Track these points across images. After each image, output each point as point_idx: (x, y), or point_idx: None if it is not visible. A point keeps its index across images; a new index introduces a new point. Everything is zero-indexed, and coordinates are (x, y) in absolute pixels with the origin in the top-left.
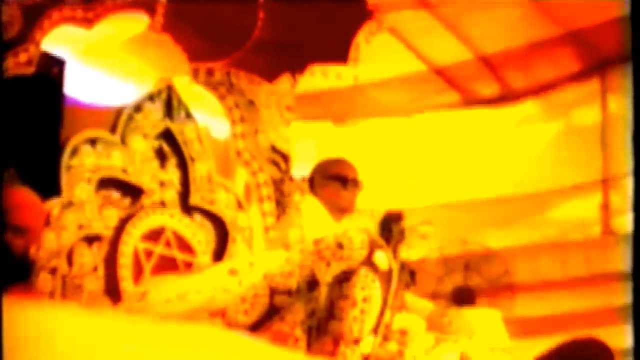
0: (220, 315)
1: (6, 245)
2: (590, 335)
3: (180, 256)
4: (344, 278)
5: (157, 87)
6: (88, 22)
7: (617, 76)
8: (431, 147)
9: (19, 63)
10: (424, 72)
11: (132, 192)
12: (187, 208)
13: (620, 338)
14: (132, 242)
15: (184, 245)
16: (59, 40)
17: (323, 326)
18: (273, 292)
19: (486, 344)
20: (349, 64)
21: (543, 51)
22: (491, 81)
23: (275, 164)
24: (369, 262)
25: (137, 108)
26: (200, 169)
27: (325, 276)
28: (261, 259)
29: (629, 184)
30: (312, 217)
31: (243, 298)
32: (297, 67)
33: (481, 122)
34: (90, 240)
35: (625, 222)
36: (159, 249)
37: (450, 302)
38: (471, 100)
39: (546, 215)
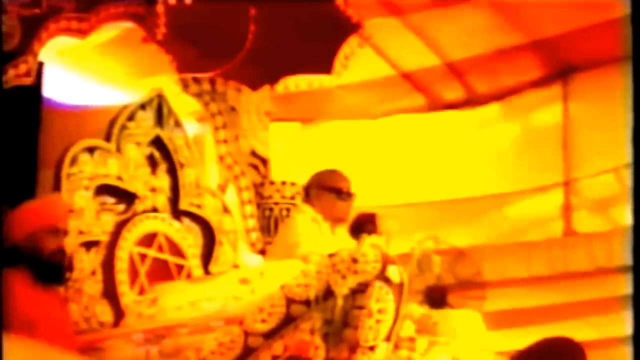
0: (238, 322)
1: (62, 249)
2: (562, 335)
3: (172, 259)
4: (359, 290)
5: (149, 96)
6: (82, 33)
7: (578, 82)
8: (397, 149)
9: (19, 74)
10: (392, 77)
11: (126, 198)
12: (177, 213)
13: (586, 332)
14: (127, 246)
15: (175, 249)
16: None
17: (339, 334)
18: (290, 302)
19: (473, 346)
20: (332, 75)
21: (507, 58)
22: (457, 86)
23: (255, 167)
24: (382, 275)
25: (130, 117)
26: (188, 175)
27: (342, 288)
28: (271, 269)
29: (589, 185)
30: (309, 227)
31: (260, 307)
32: (282, 77)
33: (446, 125)
34: (89, 245)
35: (585, 223)
36: (152, 253)
37: (422, 302)
38: (437, 104)
39: (510, 216)
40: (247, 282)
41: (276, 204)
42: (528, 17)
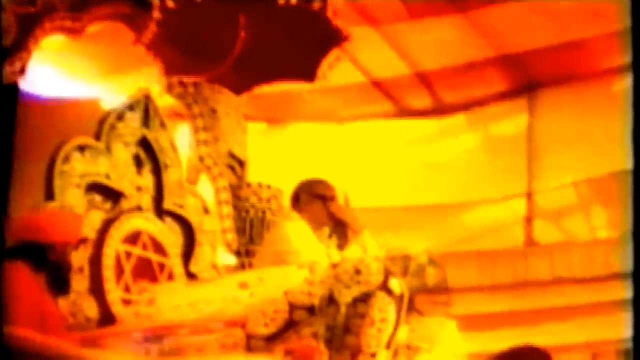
0: (240, 326)
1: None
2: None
3: (155, 258)
4: (361, 299)
5: (136, 96)
6: (76, 32)
7: (544, 97)
8: (362, 153)
9: (14, 71)
10: (362, 83)
11: (113, 196)
12: (160, 212)
13: (544, 338)
14: (114, 244)
15: (158, 247)
16: None
17: (341, 340)
18: (293, 308)
19: (452, 353)
20: (315, 82)
21: (476, 70)
22: (425, 95)
23: (232, 169)
24: (384, 286)
25: (119, 117)
26: (172, 175)
27: (345, 297)
28: (270, 275)
29: (550, 197)
30: (300, 234)
31: (263, 312)
32: (265, 83)
33: (412, 132)
34: (78, 242)
35: (545, 234)
36: (137, 250)
37: None
38: (404, 112)
39: (471, 224)
40: (247, 287)
41: (253, 206)
42: (498, 33)
